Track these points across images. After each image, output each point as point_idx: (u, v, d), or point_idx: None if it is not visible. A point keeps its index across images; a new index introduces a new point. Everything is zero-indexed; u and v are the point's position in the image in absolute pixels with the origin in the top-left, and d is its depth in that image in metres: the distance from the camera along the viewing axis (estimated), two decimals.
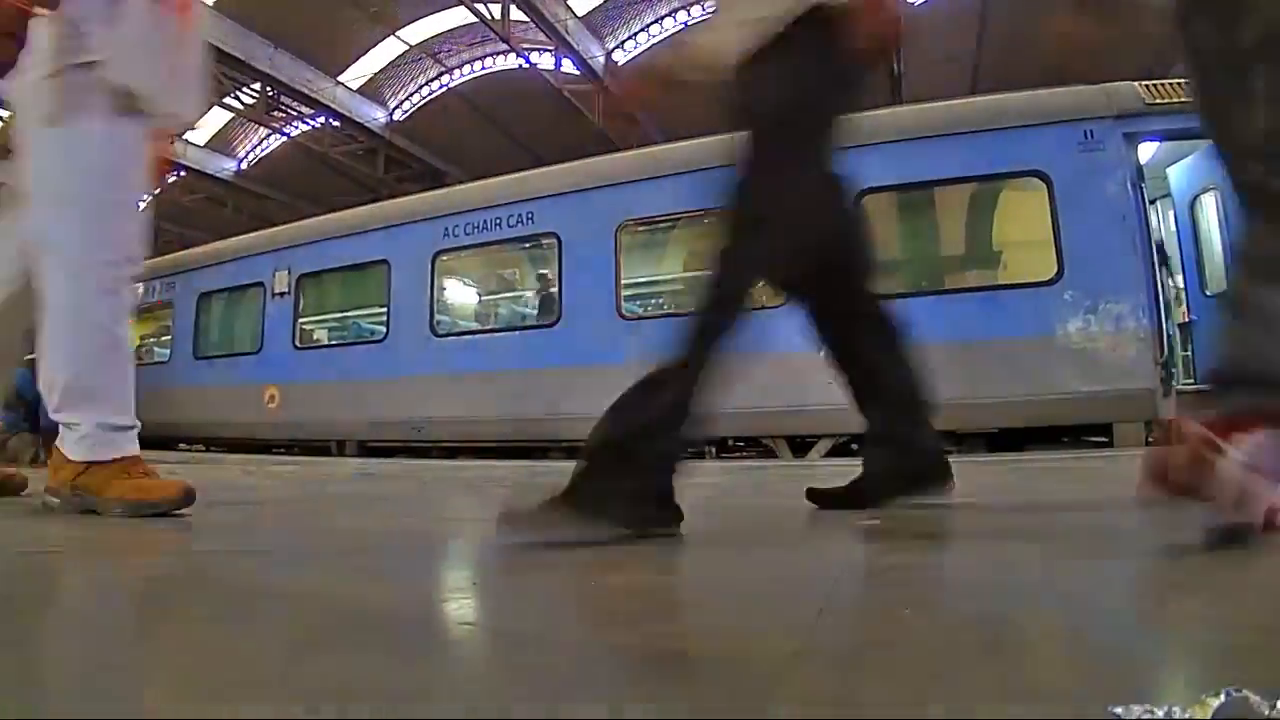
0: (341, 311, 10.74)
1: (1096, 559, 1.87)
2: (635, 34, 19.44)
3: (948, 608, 1.37)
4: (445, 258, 9.51)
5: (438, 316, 9.46)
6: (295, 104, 19.55)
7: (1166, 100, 7.29)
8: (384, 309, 9.76)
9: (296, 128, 20.97)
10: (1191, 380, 8.07)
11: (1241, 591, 1.44)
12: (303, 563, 1.93)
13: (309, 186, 22.99)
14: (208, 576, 1.73)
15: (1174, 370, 7.47)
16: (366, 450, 9.62)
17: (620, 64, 19.45)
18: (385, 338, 9.70)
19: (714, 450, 7.85)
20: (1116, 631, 1.19)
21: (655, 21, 19.18)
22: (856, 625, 1.28)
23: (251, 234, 12.29)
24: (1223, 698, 0.80)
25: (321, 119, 20.42)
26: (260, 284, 10.88)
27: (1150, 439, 6.88)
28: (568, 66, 18.54)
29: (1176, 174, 8.41)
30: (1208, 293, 8.13)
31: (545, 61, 18.67)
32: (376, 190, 20.95)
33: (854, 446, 7.55)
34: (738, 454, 7.99)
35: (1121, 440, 6.87)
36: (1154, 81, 7.57)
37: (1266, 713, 0.78)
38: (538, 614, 1.37)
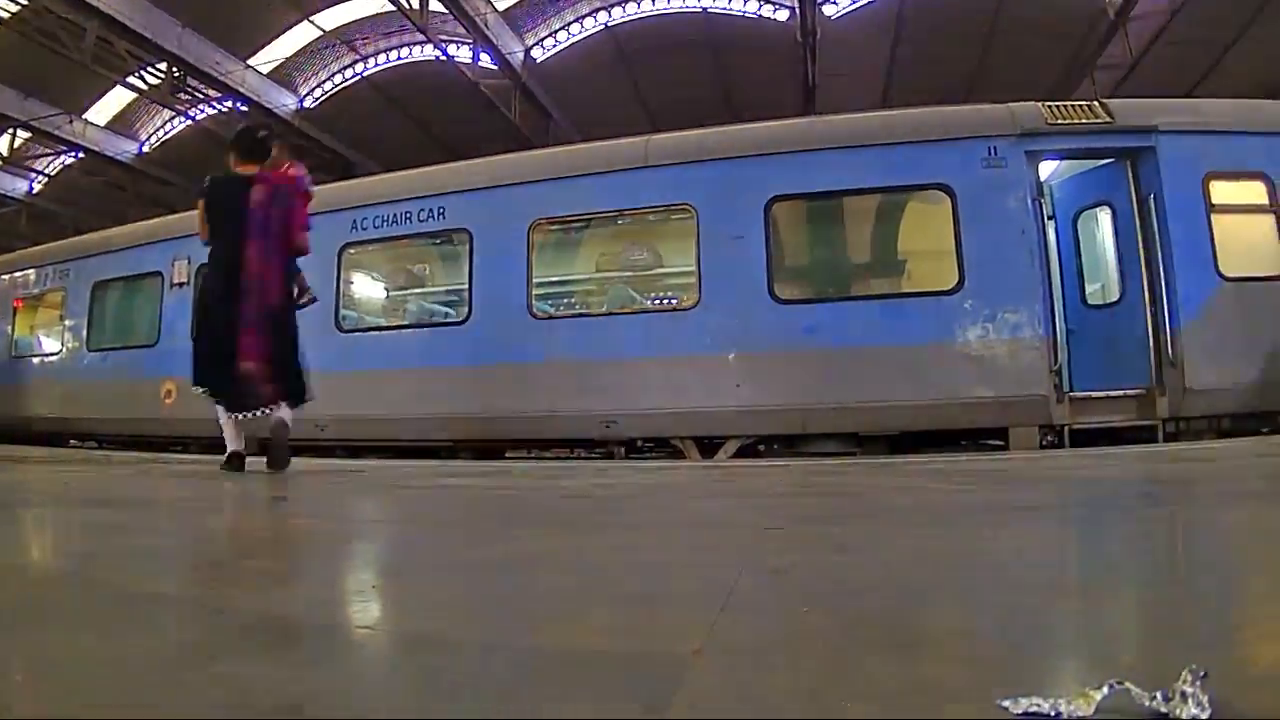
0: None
1: (995, 558, 1.93)
2: (555, 32, 19.29)
3: (846, 604, 1.38)
4: (352, 251, 9.24)
5: (343, 311, 9.17)
6: (202, 86, 18.69)
7: (1067, 120, 7.60)
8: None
9: (202, 111, 20.05)
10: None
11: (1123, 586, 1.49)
12: (194, 565, 1.85)
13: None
14: (94, 580, 1.64)
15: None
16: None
17: (539, 61, 19.31)
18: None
19: (623, 451, 7.83)
20: (1009, 628, 1.22)
21: (576, 20, 19.08)
22: (758, 623, 1.29)
23: (151, 220, 11.72)
24: (1105, 690, 0.82)
25: (229, 103, 19.56)
26: (158, 273, 10.37)
27: (1043, 443, 7.17)
28: (485, 61, 18.29)
29: (1059, 190, 8.78)
30: (1089, 304, 8.49)
31: (463, 55, 18.39)
32: None
33: (761, 448, 7.67)
34: (646, 455, 7.99)
35: (1017, 444, 7.14)
36: (1056, 102, 7.89)
37: (1148, 704, 0.79)
38: (438, 615, 1.35)
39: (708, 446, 7.68)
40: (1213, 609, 1.28)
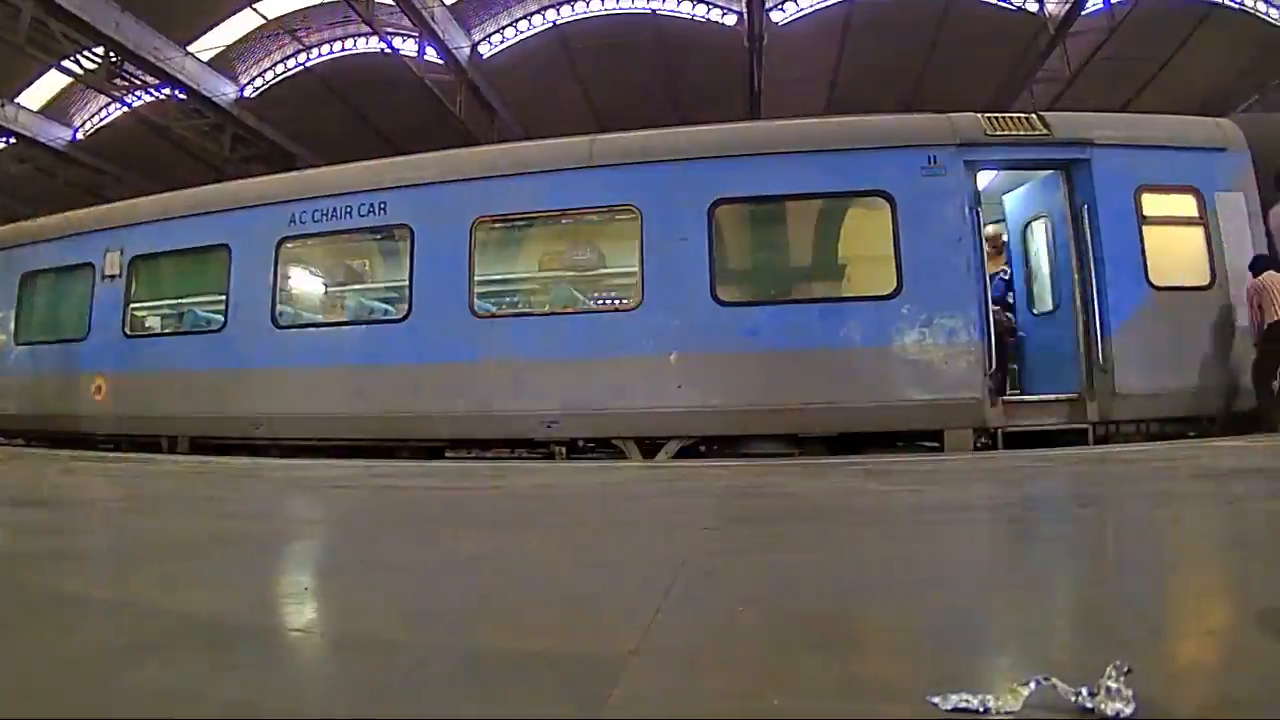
0: (177, 298, 10.01)
1: (927, 557, 1.96)
2: (503, 28, 19.15)
3: (781, 604, 1.39)
4: (290, 245, 9.02)
5: (280, 307, 8.96)
6: (140, 72, 18.11)
7: (1005, 132, 7.77)
8: (222, 297, 9.17)
9: (139, 98, 19.48)
10: (1018, 391, 8.59)
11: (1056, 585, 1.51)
12: (125, 566, 1.80)
13: (148, 162, 21.52)
14: (23, 582, 1.58)
15: (1002, 382, 7.97)
16: (199, 448, 9.03)
17: (486, 57, 19.14)
18: (223, 328, 9.10)
19: (564, 451, 7.79)
20: (940, 625, 1.24)
21: (524, 17, 18.97)
22: (694, 623, 1.30)
23: (83, 210, 11.29)
24: (1033, 686, 0.82)
25: (167, 90, 19.00)
26: (90, 265, 10.01)
27: (978, 445, 7.33)
28: (432, 56, 18.09)
29: (1011, 201, 8.98)
30: (1034, 312, 8.72)
31: (409, 48, 18.18)
32: (221, 170, 19.82)
33: (702, 448, 7.70)
34: (588, 455, 7.96)
35: (951, 446, 7.28)
36: (995, 114, 8.06)
37: (1074, 700, 0.79)
38: (372, 617, 1.35)
39: (649, 447, 7.68)
40: (1136, 605, 1.31)
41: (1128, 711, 0.80)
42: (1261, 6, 17.48)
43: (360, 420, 8.25)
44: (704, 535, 2.37)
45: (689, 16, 18.39)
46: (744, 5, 16.98)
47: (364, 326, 8.90)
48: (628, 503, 3.55)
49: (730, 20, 18.22)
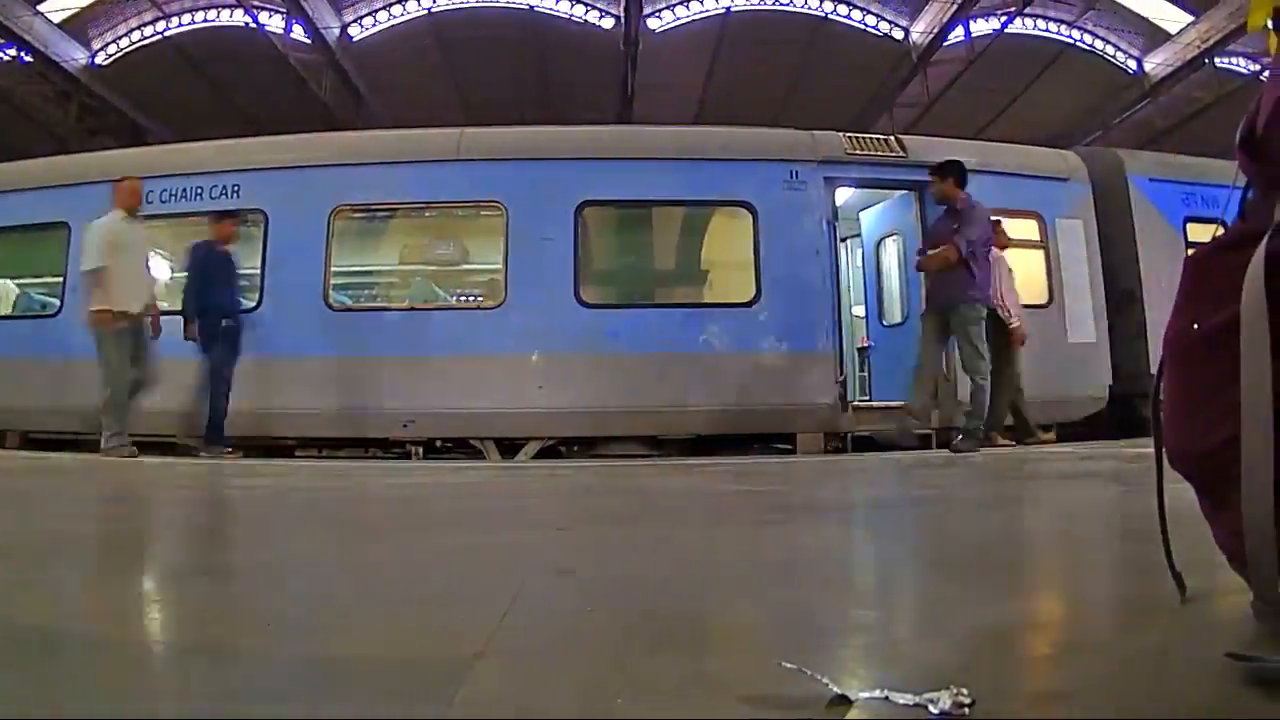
0: (5, 278, 9.18)
1: (777, 555, 2.02)
2: (375, 11, 18.55)
3: (630, 603, 1.40)
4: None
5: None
6: None
7: (865, 152, 8.15)
8: (60, 279, 8.45)
9: None
10: (867, 397, 9.00)
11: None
12: None
13: None
14: None
15: (851, 388, 8.34)
16: (31, 442, 8.29)
17: (356, 40, 18.51)
18: (58, 312, 8.38)
19: (421, 451, 7.61)
20: (787, 623, 1.28)
21: (398, 2, 18.41)
22: (542, 624, 1.29)
23: None
24: (864, 696, 0.83)
25: (12, 50, 17.38)
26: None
27: (828, 447, 7.64)
28: (299, 34, 17.35)
29: (867, 218, 9.40)
30: (884, 323, 9.15)
31: (275, 24, 17.37)
32: (65, 141, 18.25)
33: (562, 449, 7.69)
34: (445, 455, 7.82)
35: (804, 448, 7.59)
36: (856, 134, 8.42)
37: (908, 702, 0.81)
38: (211, 623, 1.30)
39: (509, 447, 7.61)
40: (975, 606, 1.39)
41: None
42: (1110, 50, 19.05)
43: (195, 416, 7.74)
44: (557, 536, 2.38)
45: (566, 16, 18.36)
46: (621, 10, 17.13)
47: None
48: (482, 503, 3.52)
49: (607, 23, 18.31)
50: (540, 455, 7.58)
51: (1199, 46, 17.42)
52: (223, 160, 8.39)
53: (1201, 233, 8.50)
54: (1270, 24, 1.13)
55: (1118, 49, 19.15)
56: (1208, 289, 1.06)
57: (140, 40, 19.19)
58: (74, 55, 18.51)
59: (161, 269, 9.10)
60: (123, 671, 1.01)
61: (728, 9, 18.18)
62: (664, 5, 18.13)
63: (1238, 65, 17.85)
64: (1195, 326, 1.07)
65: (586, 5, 18.25)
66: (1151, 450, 1.17)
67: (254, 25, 17.03)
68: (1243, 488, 0.94)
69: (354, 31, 18.66)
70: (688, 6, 18.18)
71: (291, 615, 1.38)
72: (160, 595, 1.55)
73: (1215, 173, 8.54)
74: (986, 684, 0.88)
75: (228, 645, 1.15)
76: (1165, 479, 1.17)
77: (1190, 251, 1.15)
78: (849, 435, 7.86)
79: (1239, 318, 0.97)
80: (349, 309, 7.98)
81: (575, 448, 7.78)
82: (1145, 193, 8.65)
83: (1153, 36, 18.58)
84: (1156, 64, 18.86)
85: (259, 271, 7.93)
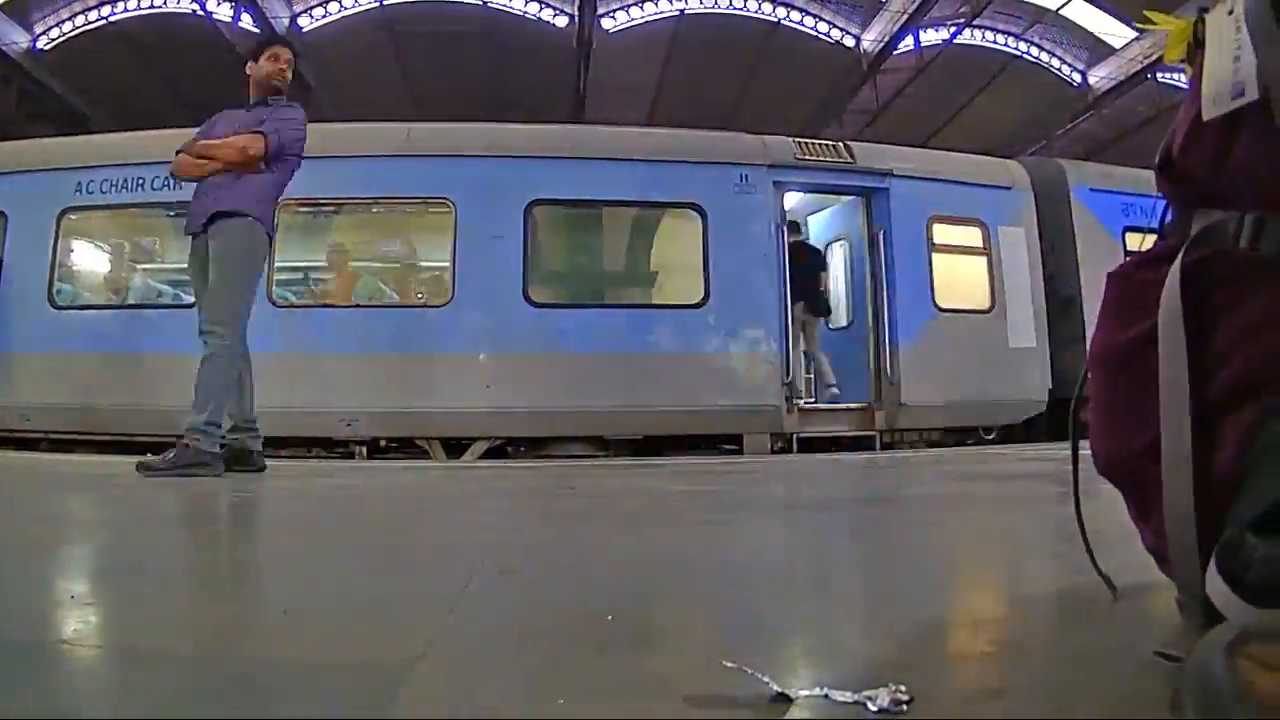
0: None
1: (723, 555, 2.03)
2: (325, 2, 18.20)
3: (576, 604, 1.41)
4: (74, 217, 8.06)
5: (59, 285, 8.01)
6: None
7: (814, 158, 8.25)
8: None
9: None
10: (812, 399, 9.11)
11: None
12: None
13: None
14: None
15: (798, 390, 8.43)
16: None
17: (305, 30, 18.16)
18: None
19: (364, 451, 7.50)
20: (733, 623, 1.28)
21: None
22: (487, 625, 1.28)
23: None
24: (803, 695, 0.83)
25: None
26: None
27: (774, 448, 7.72)
28: (248, 23, 16.97)
29: (816, 223, 9.51)
30: (831, 326, 9.28)
31: (223, 12, 16.98)
32: (3, 126, 17.66)
33: (509, 449, 7.65)
34: (389, 455, 7.71)
35: (750, 449, 7.68)
36: (806, 139, 8.52)
37: (847, 699, 0.81)
38: (151, 629, 1.26)
39: (455, 447, 7.55)
40: (908, 597, 1.40)
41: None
42: (1056, 63, 19.55)
43: (140, 413, 7.53)
44: (502, 536, 2.37)
45: (520, 13, 18.24)
46: (575, 8, 17.10)
47: (150, 311, 8.17)
48: (425, 504, 3.49)
49: (561, 22, 18.24)
50: (487, 455, 7.53)
51: (1141, 62, 17.99)
52: (165, 150, 7.90)
53: (1140, 242, 8.74)
54: (1184, 58, 1.17)
55: (1064, 62, 19.68)
56: (1129, 302, 1.11)
57: (85, 25, 18.57)
58: (14, 39, 17.87)
59: (100, 261, 8.85)
60: (50, 675, 0.99)
61: (681, 11, 18.25)
62: (618, 6, 18.13)
63: (1178, 81, 18.43)
64: (1118, 338, 1.11)
65: (541, 3, 18.16)
66: (1084, 454, 1.21)
67: (201, 12, 16.62)
68: (1164, 489, 0.98)
69: (304, 22, 18.28)
70: (642, 8, 18.20)
71: (226, 618, 1.35)
72: (94, 598, 1.51)
73: (1154, 184, 8.78)
74: (925, 681, 0.89)
75: (163, 649, 1.12)
76: (1099, 485, 1.20)
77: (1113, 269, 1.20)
78: (794, 436, 7.94)
79: (1157, 328, 1.01)
80: (291, 305, 7.84)
81: (523, 448, 7.73)
82: (1086, 203, 8.90)
83: (1097, 51, 19.15)
84: (1100, 77, 19.44)
85: None
